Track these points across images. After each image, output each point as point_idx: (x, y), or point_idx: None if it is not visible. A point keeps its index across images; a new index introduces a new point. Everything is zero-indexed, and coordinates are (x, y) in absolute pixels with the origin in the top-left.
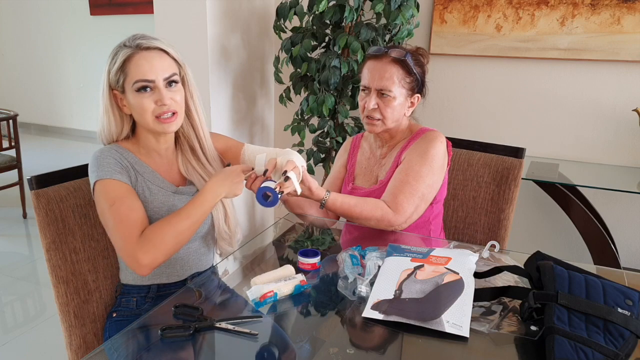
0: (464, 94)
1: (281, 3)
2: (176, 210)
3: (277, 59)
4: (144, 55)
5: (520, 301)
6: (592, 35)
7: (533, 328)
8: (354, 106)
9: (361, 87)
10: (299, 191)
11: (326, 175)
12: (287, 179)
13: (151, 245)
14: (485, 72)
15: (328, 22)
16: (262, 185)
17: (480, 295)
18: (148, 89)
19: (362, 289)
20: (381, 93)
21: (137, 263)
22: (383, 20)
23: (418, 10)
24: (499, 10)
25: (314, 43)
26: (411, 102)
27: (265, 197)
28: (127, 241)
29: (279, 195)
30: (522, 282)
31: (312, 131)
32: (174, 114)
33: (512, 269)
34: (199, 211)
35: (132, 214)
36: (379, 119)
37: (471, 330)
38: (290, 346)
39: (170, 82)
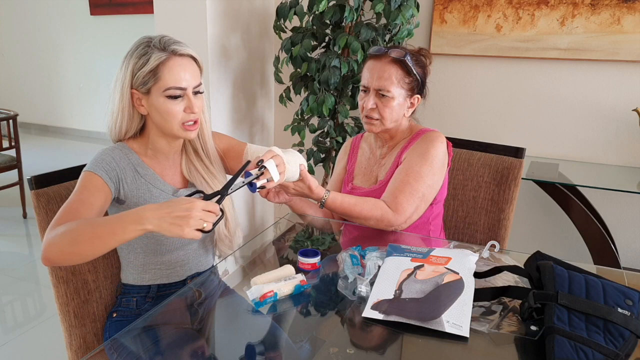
0: (464, 94)
1: (281, 3)
2: (100, 220)
3: (277, 59)
4: (179, 62)
5: (520, 301)
6: (592, 35)
7: (533, 328)
8: (354, 106)
9: (361, 87)
10: (276, 179)
11: (326, 175)
12: (262, 167)
13: (52, 242)
14: (485, 72)
15: (328, 22)
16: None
17: (480, 295)
18: (179, 97)
19: (362, 289)
20: (380, 93)
21: (42, 252)
22: (383, 20)
23: (418, 10)
24: (499, 10)
25: (314, 43)
26: (411, 103)
27: (250, 183)
28: (52, 224)
29: (256, 184)
30: (522, 282)
31: (312, 131)
32: (195, 122)
33: (512, 269)
34: (110, 239)
35: (81, 207)
36: (377, 119)
37: (471, 330)
38: (290, 346)
39: (196, 92)
